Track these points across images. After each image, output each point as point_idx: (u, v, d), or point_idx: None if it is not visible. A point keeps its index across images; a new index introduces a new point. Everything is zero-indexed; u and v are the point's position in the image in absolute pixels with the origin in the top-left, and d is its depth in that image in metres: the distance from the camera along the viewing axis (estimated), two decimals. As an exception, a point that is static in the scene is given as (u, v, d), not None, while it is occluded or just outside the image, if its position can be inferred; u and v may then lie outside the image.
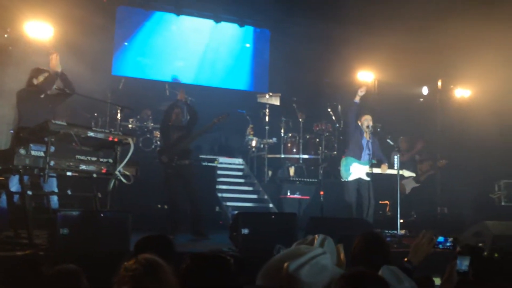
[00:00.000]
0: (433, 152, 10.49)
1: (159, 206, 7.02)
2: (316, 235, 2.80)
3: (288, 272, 2.46)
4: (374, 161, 7.66)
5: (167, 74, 11.57)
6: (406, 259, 3.03)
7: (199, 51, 11.95)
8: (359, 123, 7.69)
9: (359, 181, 7.57)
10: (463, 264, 2.77)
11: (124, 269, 2.31)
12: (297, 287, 2.45)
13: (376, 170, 7.67)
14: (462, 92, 11.46)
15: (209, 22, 11.86)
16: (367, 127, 7.62)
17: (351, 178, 7.56)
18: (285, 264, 2.50)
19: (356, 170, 7.58)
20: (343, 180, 7.67)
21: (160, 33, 11.63)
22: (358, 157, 7.60)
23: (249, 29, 12.30)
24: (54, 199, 5.71)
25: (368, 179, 7.58)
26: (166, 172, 7.20)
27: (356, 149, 7.62)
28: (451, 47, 10.03)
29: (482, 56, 9.48)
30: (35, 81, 5.96)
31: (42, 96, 5.96)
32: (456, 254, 2.84)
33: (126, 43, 11.35)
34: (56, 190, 5.64)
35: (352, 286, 2.10)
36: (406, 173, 8.17)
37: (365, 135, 7.69)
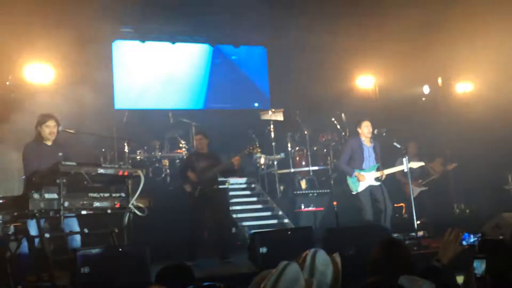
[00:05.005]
0: (442, 150, 10.47)
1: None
2: (308, 250, 2.81)
3: None
4: (379, 165, 7.64)
5: (163, 102, 11.61)
6: (437, 258, 3.00)
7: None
8: (359, 130, 7.69)
9: (370, 188, 7.55)
10: (481, 267, 2.71)
11: None
12: None
13: (380, 174, 7.63)
14: (463, 87, 11.47)
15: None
16: (368, 133, 7.62)
17: (360, 188, 7.53)
18: (262, 286, 2.52)
19: (361, 178, 7.54)
20: (354, 193, 7.63)
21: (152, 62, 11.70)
22: (360, 167, 7.58)
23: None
24: (77, 239, 5.70)
25: (378, 183, 7.55)
26: (188, 201, 7.26)
27: (357, 159, 7.59)
28: (447, 42, 10.06)
29: (480, 49, 9.51)
30: (40, 129, 5.97)
31: (50, 144, 5.99)
32: (473, 258, 2.80)
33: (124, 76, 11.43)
34: (77, 229, 5.64)
35: None
36: (414, 164, 8.03)
37: (365, 141, 7.67)
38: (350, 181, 7.62)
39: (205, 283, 2.26)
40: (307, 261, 2.75)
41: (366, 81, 11.52)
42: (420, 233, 7.34)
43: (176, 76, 11.85)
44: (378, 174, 7.53)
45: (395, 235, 7.11)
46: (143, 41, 11.48)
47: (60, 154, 5.76)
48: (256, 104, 12.43)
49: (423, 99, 11.58)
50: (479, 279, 2.68)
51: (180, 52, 11.90)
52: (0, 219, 5.03)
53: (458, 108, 11.15)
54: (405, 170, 7.60)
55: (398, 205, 9.36)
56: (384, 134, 7.67)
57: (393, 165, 8.05)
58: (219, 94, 12.20)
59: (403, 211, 9.50)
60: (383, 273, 2.78)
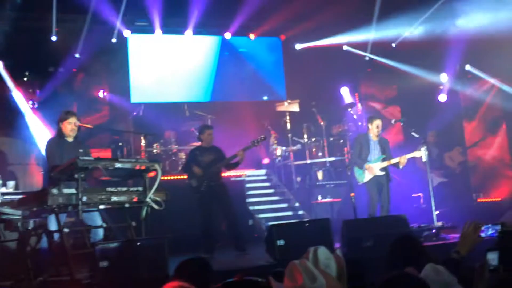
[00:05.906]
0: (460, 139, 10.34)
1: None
2: (309, 249, 2.80)
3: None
4: (384, 156, 7.58)
5: (178, 95, 11.61)
6: (456, 250, 2.97)
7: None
8: (369, 126, 7.65)
9: (377, 178, 7.50)
10: (494, 259, 2.68)
11: None
12: None
13: (385, 164, 7.56)
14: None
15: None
16: (377, 131, 7.60)
17: (366, 179, 7.51)
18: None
19: (369, 170, 7.50)
20: (359, 184, 7.62)
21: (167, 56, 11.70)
22: (366, 160, 7.57)
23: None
24: (99, 233, 5.74)
25: (383, 173, 7.51)
26: (195, 195, 7.24)
27: (364, 153, 7.59)
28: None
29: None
30: (61, 125, 6.00)
31: (71, 140, 6.03)
32: (485, 251, 2.76)
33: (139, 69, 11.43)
34: (100, 223, 5.68)
35: None
36: (418, 153, 7.84)
37: (372, 137, 7.66)
38: (356, 172, 7.64)
39: (247, 277, 2.22)
40: (310, 257, 2.74)
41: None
42: (439, 224, 7.26)
43: (188, 69, 11.81)
44: (383, 164, 7.51)
45: (413, 226, 7.04)
46: (158, 35, 11.45)
47: (81, 150, 5.80)
48: (265, 98, 12.26)
49: (441, 87, 11.39)
50: (492, 271, 2.64)
51: (193, 44, 11.83)
52: (21, 214, 5.10)
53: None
54: (423, 160, 7.52)
55: (416, 195, 9.28)
56: (402, 124, 7.59)
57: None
58: (226, 86, 12.00)
59: (421, 200, 9.41)
60: (395, 268, 2.76)
